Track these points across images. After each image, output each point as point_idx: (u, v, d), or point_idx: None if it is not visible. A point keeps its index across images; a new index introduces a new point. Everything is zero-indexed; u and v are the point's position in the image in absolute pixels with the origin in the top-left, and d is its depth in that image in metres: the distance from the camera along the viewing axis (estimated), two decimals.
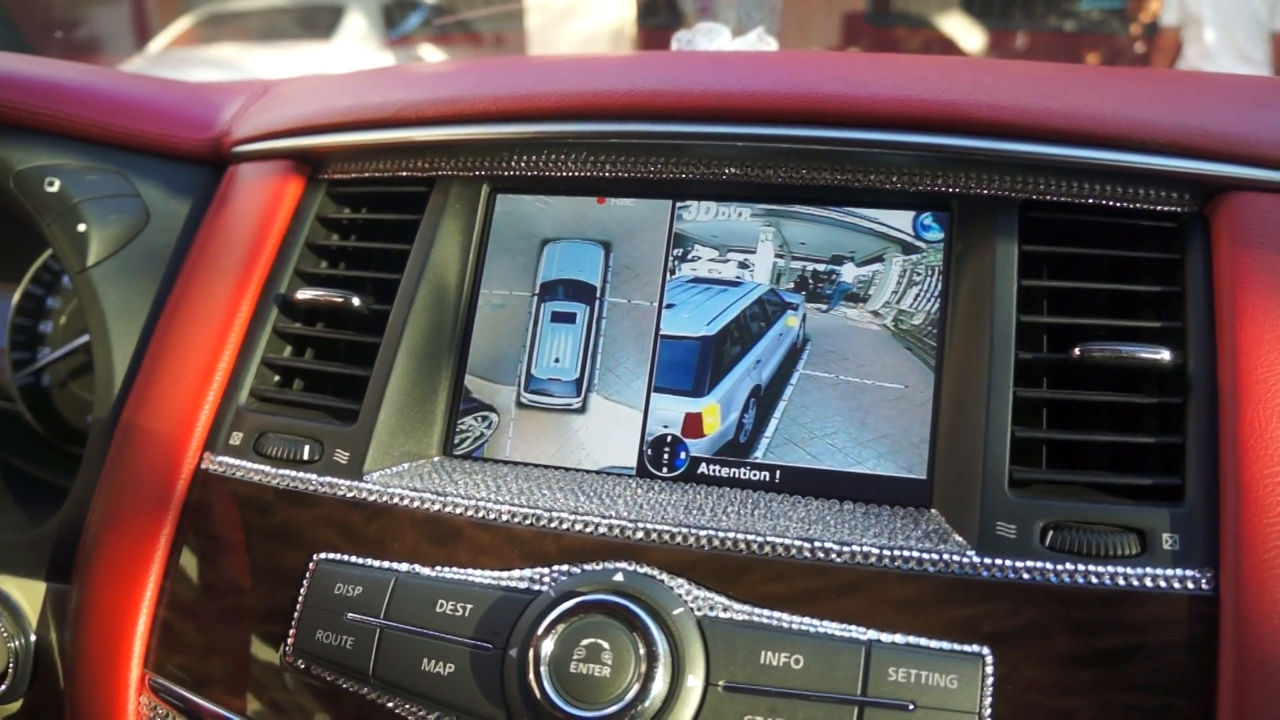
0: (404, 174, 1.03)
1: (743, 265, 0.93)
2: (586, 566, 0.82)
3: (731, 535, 0.81)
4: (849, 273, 0.91)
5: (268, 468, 0.94)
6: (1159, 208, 0.86)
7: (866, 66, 0.99)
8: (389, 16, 7.40)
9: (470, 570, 0.85)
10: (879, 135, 0.88)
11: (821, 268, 0.92)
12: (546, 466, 0.93)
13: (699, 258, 0.94)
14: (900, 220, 0.91)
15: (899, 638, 0.76)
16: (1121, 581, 0.74)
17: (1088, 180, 0.87)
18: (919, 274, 0.89)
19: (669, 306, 0.93)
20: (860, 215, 0.92)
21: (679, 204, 0.96)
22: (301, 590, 0.88)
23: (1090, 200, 0.87)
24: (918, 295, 0.89)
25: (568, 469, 0.93)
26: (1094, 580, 0.75)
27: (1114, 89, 0.91)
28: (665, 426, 0.91)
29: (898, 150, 0.89)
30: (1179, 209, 0.86)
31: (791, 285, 0.92)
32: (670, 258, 0.95)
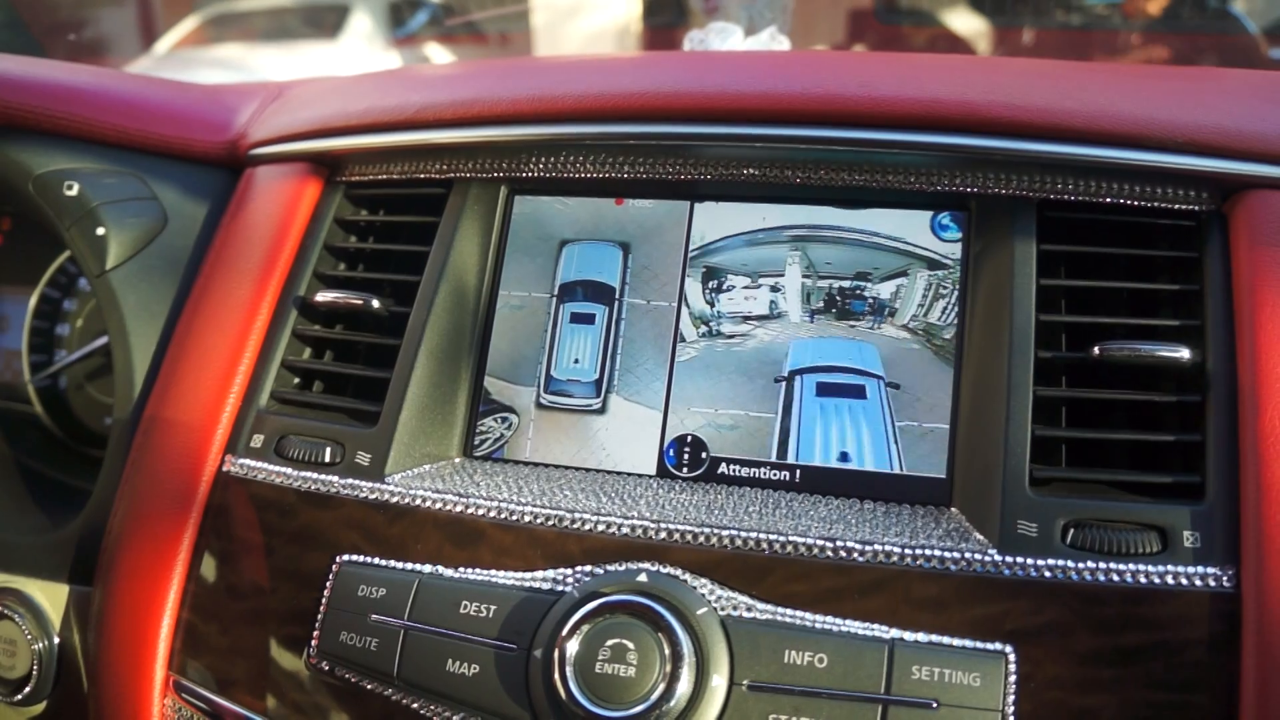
0: (422, 176, 1.04)
1: (774, 289, 0.93)
2: (610, 567, 0.82)
3: (754, 535, 0.81)
4: (873, 289, 0.91)
5: (289, 470, 0.95)
6: (1177, 206, 0.86)
7: (883, 66, 0.99)
8: (395, 16, 7.40)
9: (494, 571, 0.85)
10: (897, 136, 0.89)
11: (847, 284, 0.92)
12: (567, 467, 0.94)
13: (734, 287, 0.94)
14: (921, 232, 0.91)
15: (922, 636, 0.76)
16: (1143, 579, 0.75)
17: (1106, 179, 0.87)
18: (945, 288, 0.90)
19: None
20: (883, 236, 0.92)
21: (697, 205, 0.96)
22: (325, 592, 0.89)
23: (1108, 199, 0.87)
24: (945, 309, 0.89)
25: (588, 470, 0.93)
26: (1115, 578, 0.75)
27: (1131, 87, 0.92)
28: (685, 426, 0.91)
29: (916, 151, 0.89)
30: (1197, 207, 0.86)
31: (821, 304, 0.92)
32: (689, 256, 0.95)
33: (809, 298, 0.92)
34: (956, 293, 0.89)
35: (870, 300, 0.91)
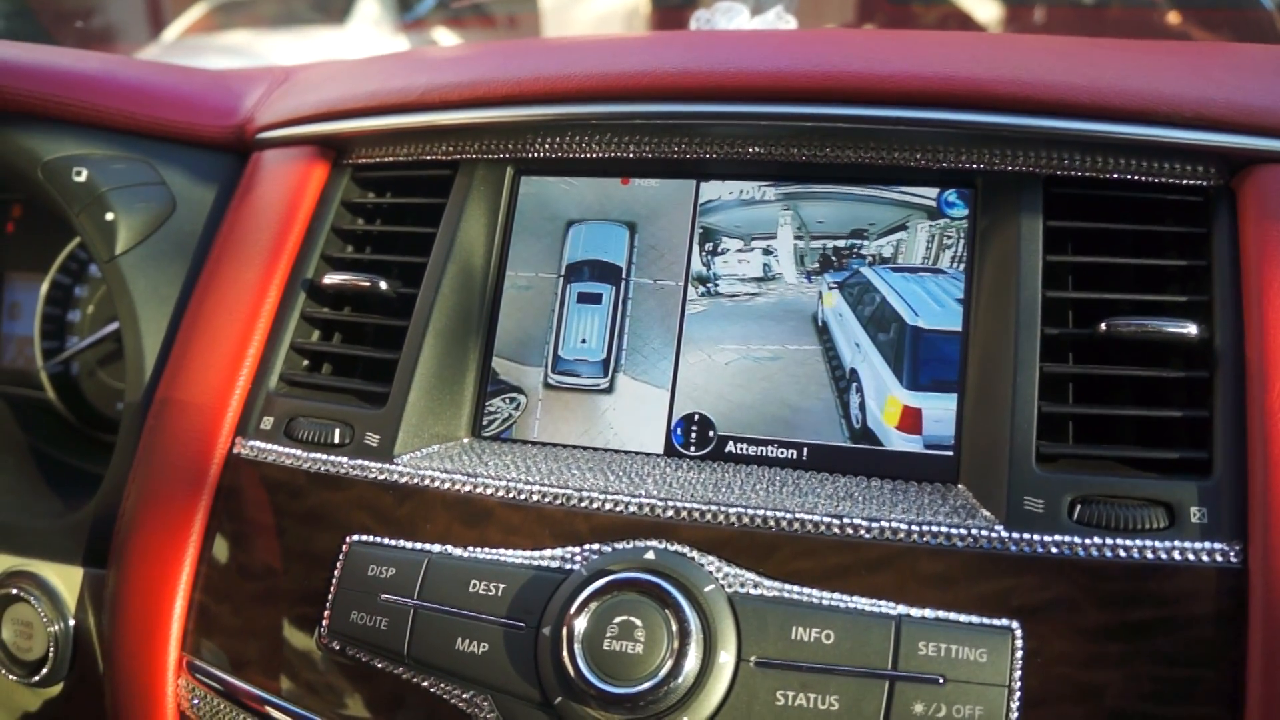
0: (428, 158, 1.04)
1: (767, 252, 0.93)
2: (618, 545, 0.83)
3: (761, 512, 0.81)
4: (870, 246, 0.91)
5: (299, 451, 0.95)
6: (1185, 182, 0.86)
7: (890, 43, 0.98)
8: (403, 0, 7.38)
9: (502, 550, 0.85)
10: (903, 112, 0.88)
11: (842, 244, 0.92)
12: (575, 447, 0.94)
13: (727, 249, 0.94)
14: (924, 194, 0.91)
15: (929, 612, 0.77)
16: (1150, 555, 0.75)
17: (1113, 155, 0.86)
18: (950, 238, 0.89)
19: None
20: (879, 187, 0.92)
21: (703, 183, 0.96)
22: (335, 572, 0.89)
23: (1116, 175, 0.86)
24: (953, 259, 0.89)
25: (596, 449, 0.93)
26: (1122, 554, 0.75)
27: (1140, 62, 0.91)
28: (693, 405, 0.92)
29: (922, 127, 0.88)
30: (1205, 183, 0.85)
31: (816, 265, 0.92)
32: (695, 234, 0.95)
33: (802, 259, 0.92)
34: (964, 241, 0.89)
35: (870, 258, 0.91)
